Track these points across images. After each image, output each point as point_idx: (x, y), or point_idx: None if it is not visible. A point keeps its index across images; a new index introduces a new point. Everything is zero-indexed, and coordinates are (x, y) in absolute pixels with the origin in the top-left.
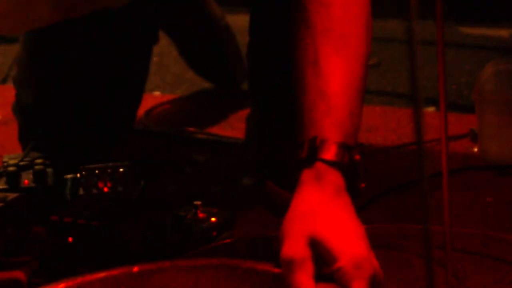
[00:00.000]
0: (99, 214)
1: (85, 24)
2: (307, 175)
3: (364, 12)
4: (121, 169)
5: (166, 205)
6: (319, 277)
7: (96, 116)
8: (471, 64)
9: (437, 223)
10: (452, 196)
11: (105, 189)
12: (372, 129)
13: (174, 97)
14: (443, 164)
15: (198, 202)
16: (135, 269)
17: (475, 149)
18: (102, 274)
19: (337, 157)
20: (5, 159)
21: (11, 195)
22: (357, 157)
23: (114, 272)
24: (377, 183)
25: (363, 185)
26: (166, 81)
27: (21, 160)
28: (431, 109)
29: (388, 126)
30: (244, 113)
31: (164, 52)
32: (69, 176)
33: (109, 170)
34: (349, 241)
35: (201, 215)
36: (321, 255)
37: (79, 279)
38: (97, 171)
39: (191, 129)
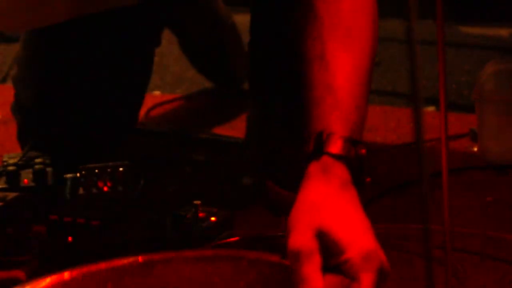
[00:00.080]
0: (99, 213)
1: (87, 25)
2: (313, 168)
3: (371, 7)
4: (120, 169)
5: (166, 205)
6: (325, 268)
7: (97, 117)
8: (471, 64)
9: (437, 223)
10: (452, 196)
11: (105, 189)
12: (372, 129)
13: (174, 96)
14: (443, 164)
15: (198, 202)
16: (140, 259)
17: (475, 149)
18: (107, 264)
19: (343, 151)
20: (5, 159)
21: (11, 195)
22: (363, 151)
23: (119, 262)
24: (377, 183)
25: (368, 179)
26: (166, 80)
27: (20, 160)
28: (431, 108)
29: (388, 125)
30: (244, 113)
31: (164, 52)
32: (69, 175)
33: (109, 170)
34: (356, 233)
35: (201, 214)
36: (328, 247)
37: (84, 269)
38: (96, 171)
39: (191, 129)
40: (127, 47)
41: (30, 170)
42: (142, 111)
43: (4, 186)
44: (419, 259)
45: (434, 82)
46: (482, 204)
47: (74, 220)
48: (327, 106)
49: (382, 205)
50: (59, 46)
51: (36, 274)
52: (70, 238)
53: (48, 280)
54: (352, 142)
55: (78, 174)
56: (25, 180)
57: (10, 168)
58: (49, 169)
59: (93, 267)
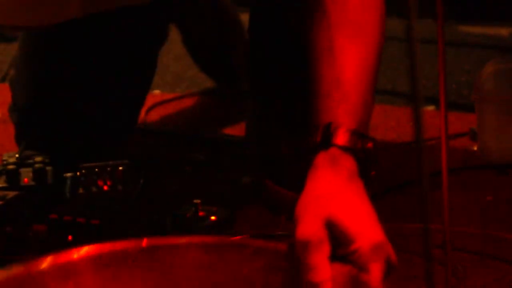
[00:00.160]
0: (99, 212)
1: (88, 24)
2: (321, 159)
3: (378, 1)
4: (120, 168)
5: (166, 204)
6: (333, 258)
7: (98, 117)
8: (471, 63)
9: (436, 223)
10: (451, 195)
11: (105, 188)
12: (371, 128)
13: (174, 96)
14: (443, 163)
15: (198, 201)
16: (144, 243)
17: (475, 148)
18: (110, 247)
19: (351, 143)
20: (4, 158)
21: (11, 193)
22: (370, 144)
23: (123, 245)
24: (377, 182)
25: (373, 172)
26: (166, 80)
27: (16, 158)
28: (430, 108)
29: (387, 125)
30: (244, 112)
31: (164, 51)
32: (68, 174)
33: (108, 169)
34: (365, 224)
35: (201, 213)
36: (336, 237)
37: (88, 251)
38: (96, 170)
39: (191, 128)
40: (130, 46)
41: (30, 169)
42: (142, 110)
43: (4, 185)
44: (419, 259)
45: (434, 81)
46: (482, 204)
47: (74, 219)
48: (335, 99)
49: (381, 204)
50: (57, 46)
51: None
52: (70, 237)
53: (49, 259)
54: (359, 135)
55: (78, 173)
56: (25, 179)
57: (10, 167)
58: (49, 168)
59: (96, 250)
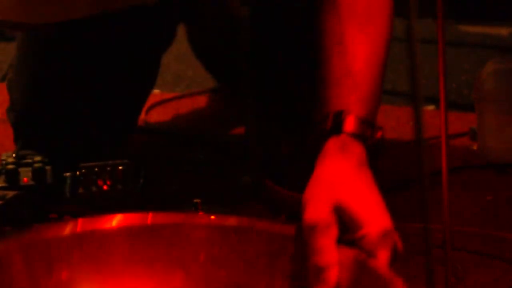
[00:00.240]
0: (99, 212)
1: (89, 23)
2: (332, 145)
3: None
4: (120, 167)
5: (166, 204)
6: (340, 243)
7: (99, 117)
8: (471, 63)
9: (436, 222)
10: (451, 194)
11: (105, 187)
12: None
13: (173, 95)
14: (443, 162)
15: (198, 201)
16: (149, 221)
17: (475, 148)
18: (117, 223)
19: (362, 131)
20: (3, 157)
21: (11, 193)
22: (379, 134)
23: (128, 221)
24: (376, 181)
25: (380, 162)
26: (166, 79)
27: (14, 158)
28: (430, 107)
29: (388, 124)
30: (244, 112)
31: None
32: (68, 174)
33: (108, 168)
34: (374, 210)
35: (200, 213)
36: (344, 222)
37: (93, 224)
38: (96, 169)
39: (191, 128)
40: (135, 46)
41: (29, 168)
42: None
43: (3, 184)
44: (419, 258)
45: (434, 81)
46: (482, 203)
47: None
48: (346, 88)
49: None
50: (57, 45)
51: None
52: None
53: (54, 228)
54: (369, 123)
55: (78, 173)
56: (25, 179)
57: (9, 166)
58: (48, 168)
59: (102, 224)
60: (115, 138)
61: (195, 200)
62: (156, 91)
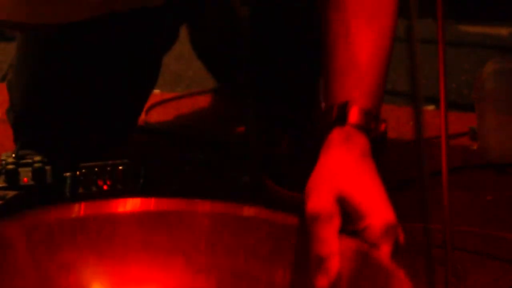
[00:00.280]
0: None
1: (90, 23)
2: (336, 136)
3: None
4: (120, 168)
5: None
6: (343, 234)
7: (99, 117)
8: (471, 63)
9: (436, 222)
10: (451, 194)
11: (105, 187)
12: None
13: (173, 95)
14: (443, 162)
15: None
16: (152, 207)
17: (475, 148)
18: (121, 209)
19: (366, 123)
20: (3, 157)
21: (10, 193)
22: (383, 126)
23: (130, 207)
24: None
25: (382, 155)
26: (166, 79)
27: (13, 158)
28: (430, 107)
29: (388, 124)
30: (244, 112)
31: None
32: (68, 174)
33: (108, 168)
34: (377, 202)
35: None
36: (347, 213)
37: (95, 208)
38: (96, 169)
39: (191, 128)
40: (136, 47)
41: (29, 168)
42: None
43: (3, 184)
44: (419, 258)
45: (434, 81)
46: (482, 203)
47: None
48: (350, 80)
49: None
50: (58, 46)
51: None
52: None
53: (57, 212)
54: (373, 116)
55: (78, 173)
56: (25, 179)
57: (9, 166)
58: (48, 168)
59: (105, 208)
60: (115, 138)
61: None
62: (156, 91)
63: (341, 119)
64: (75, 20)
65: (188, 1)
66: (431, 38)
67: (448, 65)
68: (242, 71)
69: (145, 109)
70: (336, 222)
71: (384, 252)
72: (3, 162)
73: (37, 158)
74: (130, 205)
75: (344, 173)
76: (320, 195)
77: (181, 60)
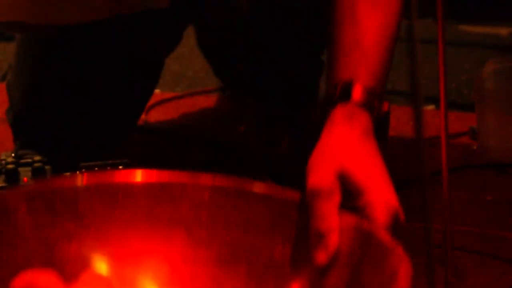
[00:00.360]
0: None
1: (91, 25)
2: (339, 113)
3: None
4: (120, 167)
5: None
6: (343, 210)
7: (100, 117)
8: (471, 63)
9: (436, 222)
10: (451, 194)
11: None
12: None
13: (174, 95)
14: (443, 162)
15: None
16: (155, 179)
17: (475, 148)
18: (123, 179)
19: (369, 101)
20: (2, 157)
21: None
22: (386, 106)
23: (132, 178)
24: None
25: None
26: (166, 79)
27: (12, 157)
28: (430, 107)
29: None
30: (244, 112)
31: None
32: (68, 174)
33: (108, 168)
34: (378, 179)
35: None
36: (347, 189)
37: (97, 178)
38: (96, 169)
39: (191, 128)
40: (138, 49)
41: (29, 168)
42: None
43: (3, 184)
44: (419, 258)
45: (434, 80)
46: (482, 203)
47: None
48: (355, 59)
49: None
50: (58, 46)
51: None
52: None
53: (59, 181)
54: (376, 95)
55: (77, 173)
56: (25, 179)
57: (9, 166)
58: (48, 167)
59: (108, 179)
60: (115, 138)
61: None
62: (156, 91)
63: (345, 96)
64: (81, 23)
65: (192, 3)
66: (431, 38)
67: (448, 65)
68: (243, 71)
69: (145, 109)
70: (336, 198)
71: (383, 228)
72: (3, 161)
73: (37, 157)
74: (132, 176)
75: (345, 150)
76: (321, 171)
77: (181, 60)
